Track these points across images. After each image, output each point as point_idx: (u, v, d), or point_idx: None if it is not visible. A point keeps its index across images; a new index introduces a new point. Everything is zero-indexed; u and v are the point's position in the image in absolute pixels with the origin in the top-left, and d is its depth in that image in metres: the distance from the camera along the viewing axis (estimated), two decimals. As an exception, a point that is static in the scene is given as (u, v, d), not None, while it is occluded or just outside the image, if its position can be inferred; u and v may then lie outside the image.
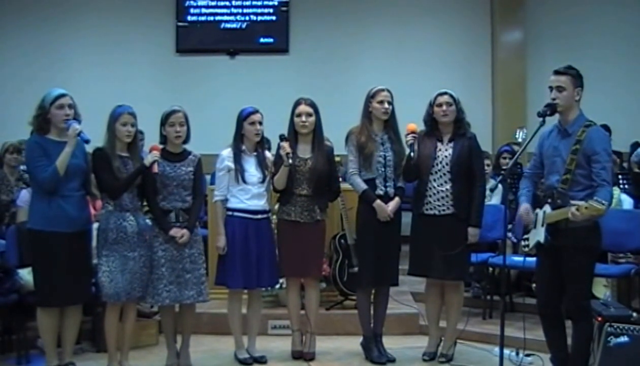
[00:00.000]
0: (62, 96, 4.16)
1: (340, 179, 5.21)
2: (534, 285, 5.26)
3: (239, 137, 4.66)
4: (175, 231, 4.34)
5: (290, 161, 4.52)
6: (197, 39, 9.20)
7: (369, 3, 9.06)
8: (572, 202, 3.69)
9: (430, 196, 4.60)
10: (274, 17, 9.17)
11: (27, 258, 4.36)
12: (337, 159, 5.07)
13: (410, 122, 4.65)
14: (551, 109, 3.90)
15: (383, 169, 4.63)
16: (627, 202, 5.81)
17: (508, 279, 5.68)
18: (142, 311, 4.99)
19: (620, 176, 6.27)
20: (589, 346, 3.91)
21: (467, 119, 4.68)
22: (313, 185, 4.63)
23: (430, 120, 4.66)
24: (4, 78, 8.90)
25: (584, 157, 3.82)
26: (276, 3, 9.16)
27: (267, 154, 4.78)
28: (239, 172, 4.58)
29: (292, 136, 4.68)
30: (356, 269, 5.05)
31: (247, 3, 9.21)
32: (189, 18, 9.18)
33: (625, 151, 7.76)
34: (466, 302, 5.13)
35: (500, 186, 5.00)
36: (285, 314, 4.96)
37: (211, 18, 9.22)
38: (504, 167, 6.32)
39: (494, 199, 5.99)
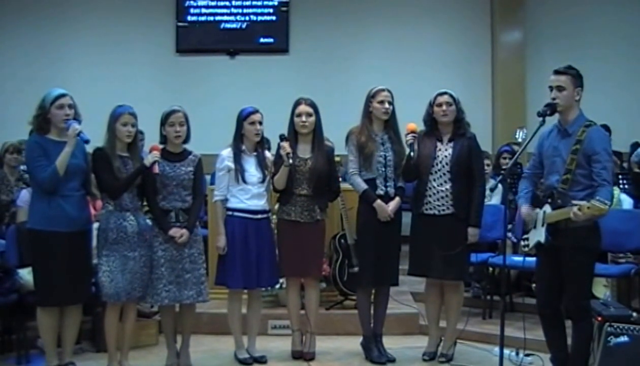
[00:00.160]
0: (62, 95, 4.16)
1: (340, 179, 5.22)
2: (533, 285, 5.26)
3: (238, 137, 4.66)
4: (174, 231, 4.34)
5: (291, 161, 4.52)
6: (197, 39, 9.20)
7: (369, 3, 9.07)
8: (574, 202, 3.69)
9: (429, 196, 4.60)
10: (273, 17, 9.18)
11: (27, 258, 4.37)
12: (337, 159, 5.07)
13: (410, 122, 4.65)
14: (551, 108, 3.91)
15: (383, 169, 4.63)
16: (627, 202, 5.81)
17: (508, 279, 5.68)
18: (142, 311, 4.99)
19: (620, 176, 6.27)
20: (588, 346, 3.91)
21: (467, 119, 4.68)
22: (313, 185, 4.63)
23: (430, 120, 4.66)
24: (4, 78, 8.91)
25: (584, 157, 3.82)
26: (276, 3, 9.17)
27: (267, 154, 4.78)
28: (239, 172, 4.58)
29: (292, 135, 4.68)
30: (356, 269, 5.05)
31: (247, 3, 9.22)
32: (189, 18, 9.18)
33: (625, 151, 7.76)
34: (466, 302, 5.13)
35: (500, 186, 5.00)
36: (285, 314, 4.96)
37: (211, 18, 9.22)
38: (504, 167, 6.32)
39: (494, 199, 6.00)
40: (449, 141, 4.63)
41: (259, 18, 9.21)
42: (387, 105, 4.64)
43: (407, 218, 4.79)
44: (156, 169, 4.29)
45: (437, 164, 4.59)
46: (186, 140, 4.51)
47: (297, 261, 4.64)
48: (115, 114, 4.30)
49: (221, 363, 4.75)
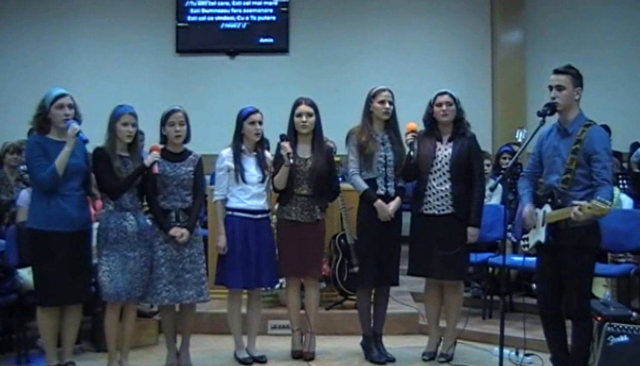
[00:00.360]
0: (62, 95, 4.16)
1: (340, 179, 5.21)
2: (534, 285, 5.27)
3: (238, 137, 4.66)
4: (175, 231, 4.34)
5: (291, 160, 4.52)
6: (197, 39, 9.21)
7: (369, 3, 9.08)
8: (574, 202, 3.69)
9: (429, 195, 4.59)
10: (273, 18, 9.19)
11: (26, 258, 4.36)
12: (337, 159, 5.06)
13: (410, 122, 4.65)
14: (551, 108, 3.91)
15: (384, 169, 4.63)
16: (627, 202, 5.82)
17: (508, 279, 5.68)
18: (142, 311, 4.99)
19: (620, 176, 6.27)
20: (588, 346, 3.91)
21: (466, 119, 4.68)
22: (313, 185, 4.63)
23: (430, 120, 4.66)
24: (4, 78, 8.93)
25: (585, 156, 3.82)
26: (276, 3, 9.18)
27: (267, 153, 4.78)
28: (239, 172, 4.58)
29: (292, 135, 4.68)
30: (356, 269, 5.05)
31: (247, 3, 9.23)
32: (189, 18, 9.20)
33: (625, 151, 7.76)
34: (466, 302, 5.13)
35: (500, 185, 5.00)
36: (285, 314, 4.96)
37: (211, 18, 9.24)
38: (504, 167, 6.32)
39: (493, 199, 6.00)
40: (449, 140, 4.63)
41: (259, 18, 9.22)
42: (387, 105, 4.64)
43: (407, 218, 4.79)
44: (156, 169, 4.29)
45: (436, 164, 4.59)
46: (186, 140, 4.51)
47: (297, 261, 4.64)
48: (115, 114, 4.30)
49: (221, 363, 4.75)
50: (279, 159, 4.61)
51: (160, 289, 4.33)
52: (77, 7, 9.06)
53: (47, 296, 4.13)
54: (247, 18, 9.22)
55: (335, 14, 9.11)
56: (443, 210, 4.57)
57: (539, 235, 3.98)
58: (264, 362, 4.71)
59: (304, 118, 4.63)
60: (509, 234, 5.38)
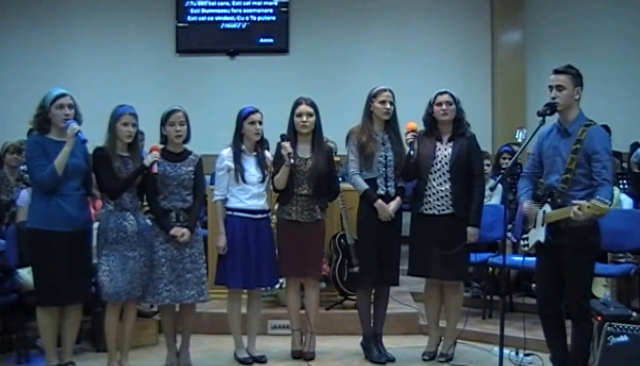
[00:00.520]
0: (62, 95, 4.16)
1: (341, 179, 5.21)
2: (533, 285, 5.26)
3: (238, 136, 4.67)
4: (176, 231, 4.34)
5: (292, 160, 4.52)
6: (197, 39, 9.21)
7: (369, 3, 9.08)
8: (574, 201, 3.69)
9: (429, 195, 4.59)
10: (273, 18, 9.19)
11: (26, 258, 4.36)
12: (336, 159, 5.05)
13: (410, 122, 4.64)
14: (551, 108, 3.91)
15: (384, 169, 4.63)
16: (627, 202, 5.82)
17: (508, 279, 5.68)
18: (142, 311, 4.99)
19: (620, 176, 6.27)
20: (588, 346, 3.91)
21: (466, 119, 4.68)
22: (313, 185, 4.63)
23: (430, 119, 4.66)
24: (5, 78, 8.93)
25: (585, 156, 3.82)
26: (276, 3, 9.18)
27: (267, 153, 4.78)
28: (239, 172, 4.58)
29: (292, 135, 4.68)
30: (356, 269, 5.05)
31: (247, 3, 9.23)
32: (189, 18, 9.20)
33: (625, 151, 7.76)
34: (466, 302, 5.13)
35: (499, 185, 5.00)
36: (285, 314, 4.96)
37: (211, 18, 9.24)
38: (504, 167, 6.32)
39: (493, 199, 6.00)
40: (449, 140, 4.63)
41: (259, 18, 9.22)
42: (388, 105, 4.64)
43: (407, 218, 4.79)
44: (155, 169, 4.28)
45: (436, 164, 4.59)
46: (186, 140, 4.51)
47: (297, 261, 4.64)
48: (116, 114, 4.30)
49: (221, 363, 4.75)
50: (279, 159, 4.61)
51: (161, 289, 4.33)
52: (77, 7, 9.06)
53: (47, 296, 4.13)
54: (247, 18, 9.22)
55: (335, 14, 9.11)
56: (443, 210, 4.56)
57: (538, 235, 3.98)
58: (264, 362, 4.71)
59: (304, 118, 4.63)
60: (509, 234, 5.37)
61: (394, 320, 5.25)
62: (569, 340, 4.05)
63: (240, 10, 9.23)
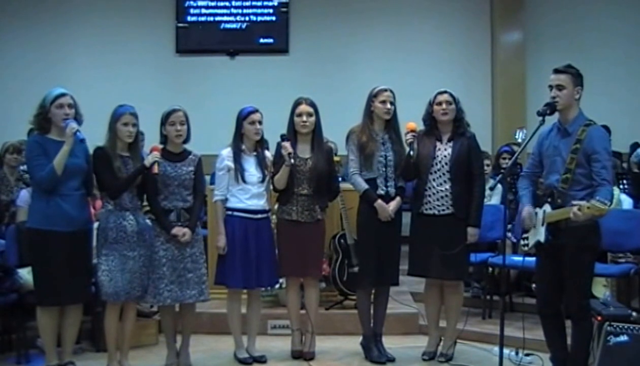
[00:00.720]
0: (62, 95, 4.16)
1: (341, 180, 5.21)
2: (533, 285, 5.26)
3: (238, 136, 4.67)
4: (177, 230, 4.34)
5: (292, 160, 4.52)
6: (197, 39, 9.22)
7: (369, 3, 9.08)
8: (574, 202, 3.69)
9: (429, 195, 4.59)
10: (273, 18, 9.19)
11: (26, 258, 4.37)
12: (336, 159, 5.05)
13: (410, 122, 4.64)
14: (551, 108, 3.91)
15: (384, 169, 4.63)
16: (627, 202, 5.81)
17: (508, 279, 5.68)
18: (142, 310, 4.99)
19: (620, 176, 6.27)
20: (588, 346, 3.91)
21: (466, 119, 4.68)
22: (314, 184, 4.63)
23: (430, 119, 4.66)
24: (5, 78, 8.93)
25: (584, 156, 3.81)
26: (276, 3, 9.18)
27: (267, 153, 4.78)
28: (239, 171, 4.58)
29: (292, 135, 4.68)
30: (356, 269, 5.05)
31: (247, 4, 9.23)
32: (189, 19, 9.20)
33: (625, 151, 7.76)
34: (466, 302, 5.13)
35: (499, 185, 5.00)
36: (285, 314, 4.96)
37: (211, 19, 9.24)
38: (504, 167, 6.31)
39: (493, 199, 6.00)
40: (449, 140, 4.62)
41: (259, 18, 9.22)
42: (388, 105, 4.64)
43: (407, 218, 4.79)
44: (155, 169, 4.28)
45: (436, 164, 4.58)
46: (186, 140, 4.51)
47: (297, 261, 4.64)
48: (116, 114, 4.30)
49: (221, 363, 4.75)
50: (279, 159, 4.61)
51: (162, 290, 4.33)
52: (77, 7, 9.06)
53: (47, 295, 4.13)
54: (247, 18, 9.23)
55: (335, 14, 9.11)
56: (443, 210, 4.56)
57: (538, 235, 3.98)
58: (264, 362, 4.71)
59: (304, 118, 4.63)
60: (509, 234, 5.38)
61: (394, 320, 5.25)
62: (568, 340, 4.05)
63: (240, 11, 9.23)
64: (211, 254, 5.02)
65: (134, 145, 4.38)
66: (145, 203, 4.47)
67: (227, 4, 9.23)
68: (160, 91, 8.56)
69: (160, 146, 4.46)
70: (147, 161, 4.28)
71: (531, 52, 8.88)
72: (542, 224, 3.95)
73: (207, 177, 5.34)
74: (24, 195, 5.04)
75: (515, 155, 4.33)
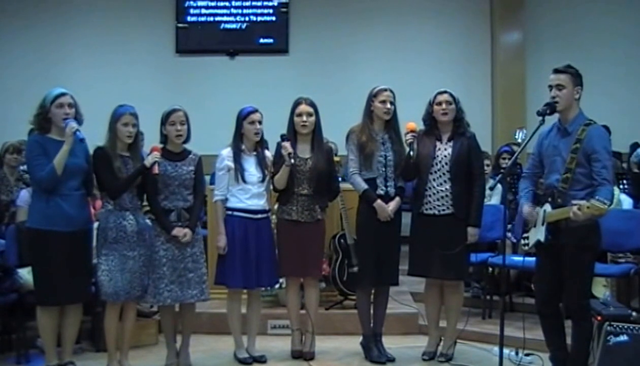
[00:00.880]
0: (63, 95, 4.16)
1: (341, 180, 5.21)
2: (533, 285, 5.26)
3: (238, 136, 4.67)
4: (177, 231, 4.34)
5: (292, 160, 4.52)
6: (197, 39, 9.22)
7: (369, 3, 9.08)
8: (574, 201, 3.69)
9: (429, 195, 4.59)
10: (273, 18, 9.20)
11: (26, 257, 4.36)
12: (336, 159, 5.04)
13: (410, 122, 4.64)
14: (551, 108, 3.91)
15: (384, 169, 4.63)
16: (627, 202, 5.81)
17: (508, 279, 5.68)
18: (142, 310, 4.99)
19: (620, 176, 6.27)
20: (588, 345, 3.91)
21: (466, 119, 4.68)
22: (314, 184, 4.63)
23: (430, 119, 4.65)
24: (5, 78, 8.93)
25: (584, 155, 3.82)
26: (276, 4, 9.18)
27: (267, 153, 4.78)
28: (239, 171, 4.58)
29: (292, 135, 4.68)
30: (356, 269, 5.05)
31: (247, 4, 9.24)
32: (189, 19, 9.20)
33: (625, 151, 7.76)
34: (466, 302, 5.13)
35: (499, 185, 4.99)
36: (285, 314, 4.96)
37: (211, 19, 9.24)
38: (504, 167, 6.31)
39: (493, 199, 6.00)
40: (449, 140, 4.62)
41: (259, 19, 9.22)
42: (388, 105, 4.64)
43: (407, 218, 4.79)
44: (156, 169, 4.28)
45: (436, 164, 4.58)
46: (186, 140, 4.51)
47: (297, 261, 4.64)
48: (116, 114, 4.30)
49: (221, 363, 4.75)
50: (279, 159, 4.61)
51: (162, 289, 4.33)
52: (76, 7, 9.06)
53: (46, 295, 4.13)
54: (247, 18, 9.23)
55: (335, 14, 9.11)
56: (443, 210, 4.56)
57: (539, 234, 3.98)
58: (264, 362, 4.71)
59: (304, 118, 4.63)
60: (509, 234, 5.37)
61: (393, 320, 5.25)
62: (568, 340, 4.05)
63: (240, 11, 9.23)
64: (211, 254, 5.02)
65: (134, 145, 4.38)
66: (145, 203, 4.47)
67: (227, 4, 9.23)
68: (160, 91, 8.56)
69: (160, 146, 4.46)
70: (147, 162, 4.27)
71: (531, 52, 8.88)
72: (542, 224, 3.95)
73: (207, 178, 5.34)
74: (24, 195, 5.04)
75: (515, 155, 4.33)
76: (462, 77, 8.54)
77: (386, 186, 4.64)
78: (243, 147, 4.65)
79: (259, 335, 4.89)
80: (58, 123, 4.14)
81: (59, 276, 4.08)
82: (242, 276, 4.56)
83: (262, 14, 9.21)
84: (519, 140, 6.81)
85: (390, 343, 4.89)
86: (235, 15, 9.23)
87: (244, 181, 4.59)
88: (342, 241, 5.33)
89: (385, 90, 4.67)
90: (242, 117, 4.64)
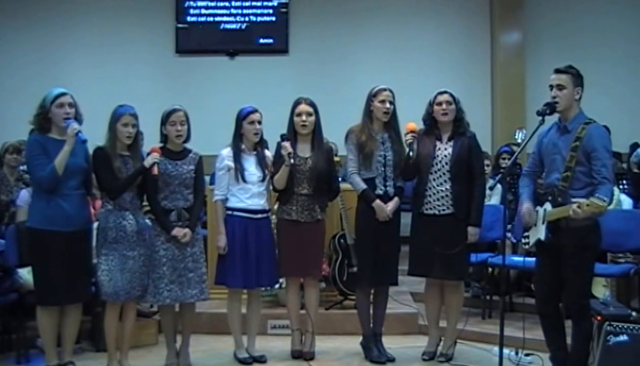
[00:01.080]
0: (63, 94, 4.17)
1: (340, 179, 5.21)
2: (533, 285, 5.26)
3: (238, 136, 4.67)
4: (177, 231, 4.34)
5: (292, 160, 4.52)
6: (197, 40, 9.22)
7: (369, 3, 9.08)
8: (573, 199, 3.69)
9: (429, 195, 4.59)
10: (273, 18, 9.20)
11: (26, 257, 4.36)
12: (336, 159, 5.04)
13: (410, 122, 4.65)
14: (550, 108, 3.91)
15: (383, 169, 4.63)
16: (627, 202, 5.81)
17: (508, 279, 5.68)
18: (142, 310, 4.99)
19: (620, 176, 6.26)
20: (588, 345, 3.91)
21: (466, 119, 4.68)
22: (314, 184, 4.63)
23: (430, 119, 4.65)
24: (4, 78, 8.93)
25: (584, 154, 3.82)
26: (275, 4, 9.18)
27: (267, 153, 4.78)
28: (239, 171, 4.58)
29: (292, 135, 4.68)
30: (355, 269, 5.05)
31: (247, 4, 9.24)
32: (189, 19, 9.20)
33: (625, 151, 7.75)
34: (466, 302, 5.12)
35: (499, 185, 5.00)
36: (285, 314, 4.96)
37: (211, 19, 9.24)
38: (504, 167, 6.31)
39: (493, 199, 6.00)
40: (449, 140, 4.62)
41: (259, 19, 9.22)
42: (388, 105, 4.64)
43: (406, 218, 4.79)
44: (155, 170, 4.28)
45: (436, 164, 4.58)
46: (186, 140, 4.51)
47: (297, 261, 4.64)
48: (116, 114, 4.30)
49: (221, 363, 4.75)
50: (278, 158, 4.61)
51: (162, 289, 4.33)
52: (76, 7, 9.05)
53: (46, 295, 4.13)
54: (246, 18, 9.23)
55: (335, 14, 9.11)
56: (443, 210, 4.56)
57: (539, 233, 3.98)
58: (264, 362, 4.71)
59: (303, 117, 4.63)
60: (509, 234, 5.38)
61: (393, 320, 5.25)
62: (568, 340, 4.05)
63: (240, 11, 9.23)
64: (211, 254, 5.02)
65: (134, 145, 4.38)
66: (145, 203, 4.47)
67: (227, 4, 9.23)
68: (160, 91, 8.56)
69: (160, 145, 4.45)
70: (147, 162, 4.27)
71: (530, 52, 8.88)
72: (543, 223, 3.95)
73: (207, 178, 5.34)
74: (24, 195, 5.05)
75: (515, 155, 4.33)
76: (462, 77, 8.54)
77: (385, 186, 4.64)
78: (243, 147, 4.65)
79: (259, 335, 4.89)
80: (58, 123, 4.14)
81: (59, 276, 4.09)
82: (242, 276, 4.56)
83: (262, 14, 9.21)
84: (519, 140, 6.82)
85: (390, 343, 4.89)
86: (235, 15, 9.23)
87: (244, 180, 4.59)
88: (342, 241, 5.33)
89: (385, 90, 4.66)
90: (242, 117, 4.64)
